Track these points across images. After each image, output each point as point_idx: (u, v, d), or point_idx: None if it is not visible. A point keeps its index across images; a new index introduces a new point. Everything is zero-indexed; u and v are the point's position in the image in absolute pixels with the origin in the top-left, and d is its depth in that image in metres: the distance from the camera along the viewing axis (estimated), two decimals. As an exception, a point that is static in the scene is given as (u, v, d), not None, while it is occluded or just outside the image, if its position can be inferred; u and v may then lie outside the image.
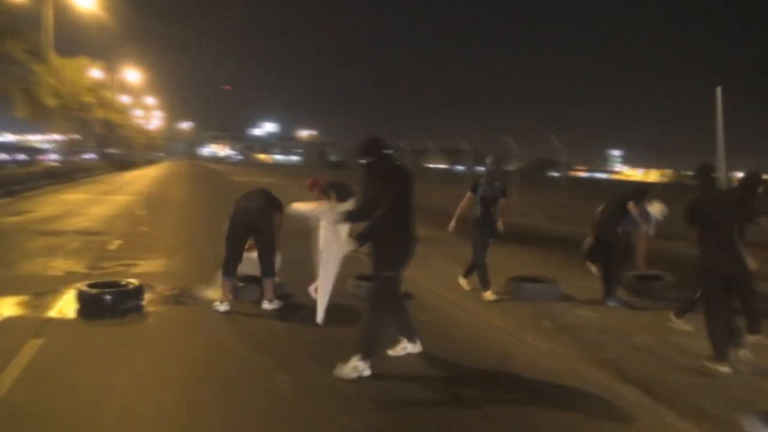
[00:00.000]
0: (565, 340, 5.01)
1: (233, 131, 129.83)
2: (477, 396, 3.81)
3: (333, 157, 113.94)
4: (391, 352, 4.37)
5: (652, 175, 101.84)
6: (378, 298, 4.13)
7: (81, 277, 6.46)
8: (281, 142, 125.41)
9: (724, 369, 4.23)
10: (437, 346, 4.65)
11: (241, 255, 5.67)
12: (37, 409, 3.29)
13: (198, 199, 19.78)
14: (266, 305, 5.59)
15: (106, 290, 5.40)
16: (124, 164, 45.72)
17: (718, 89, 8.12)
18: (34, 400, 3.40)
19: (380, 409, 3.52)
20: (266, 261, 5.65)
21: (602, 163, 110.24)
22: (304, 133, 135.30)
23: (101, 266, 7.29)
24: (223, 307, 5.42)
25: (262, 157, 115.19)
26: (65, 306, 5.39)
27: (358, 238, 4.04)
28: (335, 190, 7.89)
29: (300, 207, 4.93)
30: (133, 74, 50.97)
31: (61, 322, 4.96)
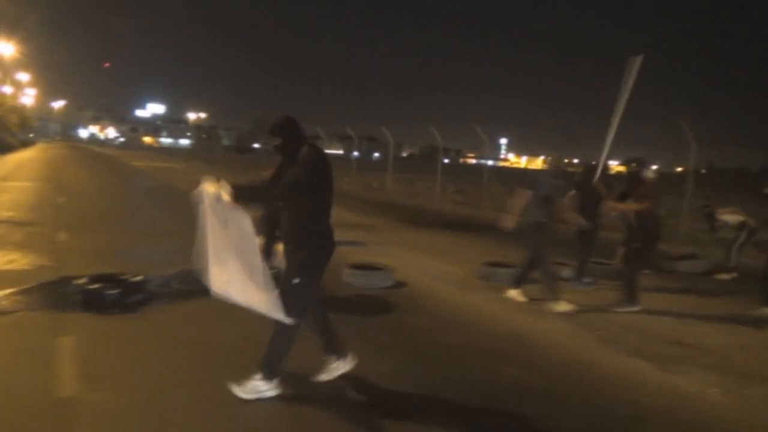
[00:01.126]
0: (557, 320, 5.63)
1: (115, 111, 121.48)
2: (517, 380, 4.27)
3: (226, 141, 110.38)
4: (324, 377, 3.71)
5: (536, 163, 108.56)
6: (289, 310, 3.36)
7: (55, 270, 6.17)
8: (169, 124, 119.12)
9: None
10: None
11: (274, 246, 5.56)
12: (114, 407, 3.29)
13: (111, 188, 18.74)
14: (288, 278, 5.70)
15: (114, 284, 5.29)
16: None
17: (637, 59, 6.90)
18: (108, 397, 3.39)
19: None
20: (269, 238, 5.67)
21: (490, 151, 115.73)
22: (192, 116, 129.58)
23: (64, 259, 6.93)
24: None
25: (147, 140, 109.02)
26: (64, 302, 5.17)
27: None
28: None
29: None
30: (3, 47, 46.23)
31: (75, 318, 4.78)
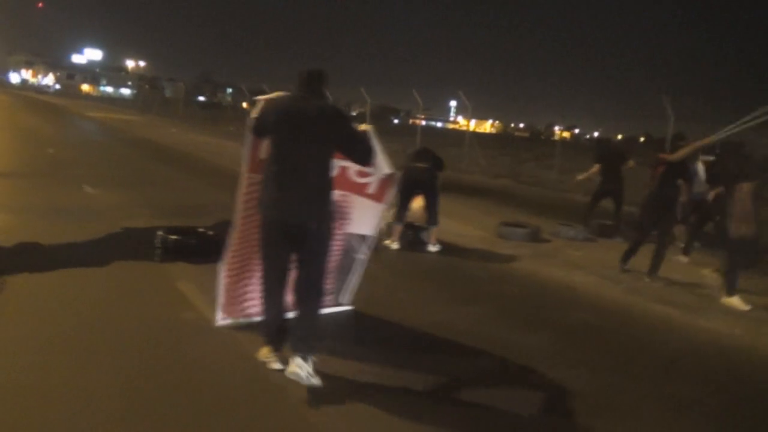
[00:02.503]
0: (587, 274, 6.54)
1: (48, 56, 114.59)
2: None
3: (169, 93, 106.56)
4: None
5: (484, 127, 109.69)
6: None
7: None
8: (108, 72, 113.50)
9: None
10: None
11: (408, 206, 6.84)
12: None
13: (90, 141, 18.43)
14: (431, 248, 6.88)
15: (191, 235, 5.81)
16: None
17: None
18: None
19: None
20: (432, 212, 6.84)
21: (441, 113, 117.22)
22: (131, 64, 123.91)
23: (114, 215, 7.27)
24: (394, 246, 6.79)
25: (86, 88, 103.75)
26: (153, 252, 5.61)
27: None
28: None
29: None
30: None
31: (172, 266, 5.27)
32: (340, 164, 3.86)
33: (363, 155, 3.48)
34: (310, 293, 3.35)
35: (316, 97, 3.32)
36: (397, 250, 6.78)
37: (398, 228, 6.86)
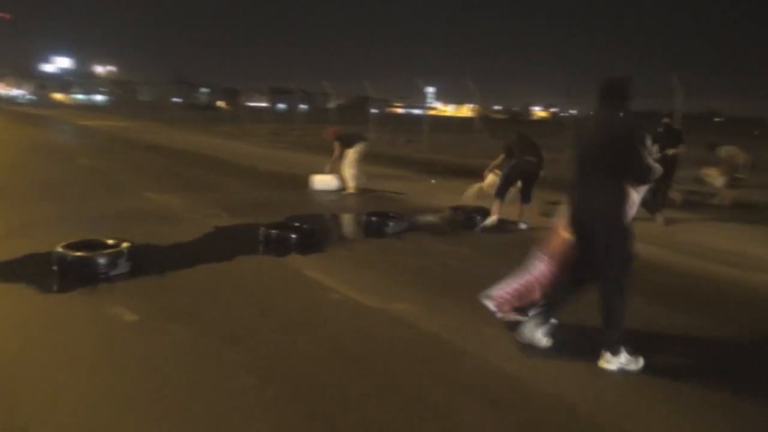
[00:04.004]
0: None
1: (17, 67, 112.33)
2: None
3: (142, 96, 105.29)
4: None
5: (462, 111, 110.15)
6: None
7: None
8: (80, 79, 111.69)
9: None
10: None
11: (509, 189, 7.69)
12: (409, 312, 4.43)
13: (107, 149, 18.54)
14: (522, 225, 7.62)
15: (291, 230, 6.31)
16: None
17: None
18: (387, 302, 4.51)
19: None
20: (527, 193, 7.62)
21: (419, 99, 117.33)
22: (101, 69, 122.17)
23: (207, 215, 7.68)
24: (491, 220, 7.54)
25: (59, 96, 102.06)
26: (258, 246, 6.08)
27: None
28: (347, 140, 9.79)
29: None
30: None
31: (284, 259, 5.75)
32: None
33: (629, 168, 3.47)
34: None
35: (609, 110, 3.52)
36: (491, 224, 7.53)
37: (498, 203, 7.58)
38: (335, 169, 10.32)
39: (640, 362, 3.49)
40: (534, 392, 3.20)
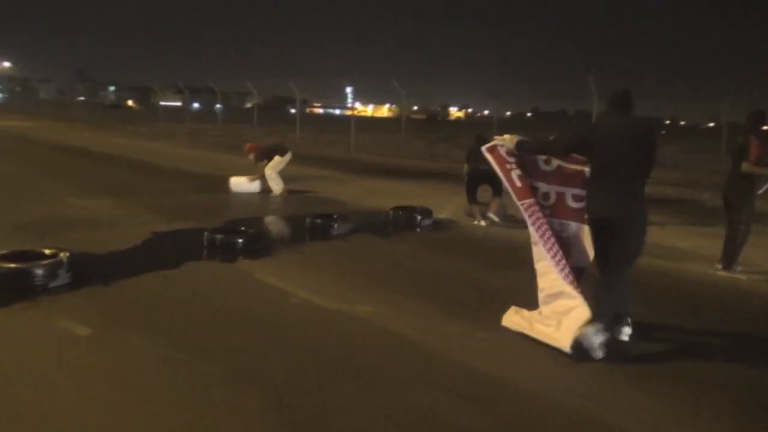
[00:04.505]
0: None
1: None
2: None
3: (44, 93, 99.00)
4: None
5: (381, 111, 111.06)
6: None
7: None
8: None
9: None
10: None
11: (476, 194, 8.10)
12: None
13: (8, 148, 17.20)
14: (492, 216, 7.99)
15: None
16: None
17: None
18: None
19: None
20: (496, 189, 7.84)
21: (339, 100, 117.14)
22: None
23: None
24: (476, 222, 7.96)
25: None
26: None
27: None
28: (265, 154, 9.83)
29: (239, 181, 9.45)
30: None
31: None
32: (556, 190, 4.20)
33: (651, 167, 3.90)
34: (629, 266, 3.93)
35: (628, 112, 3.87)
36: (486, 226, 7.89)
37: (473, 207, 8.10)
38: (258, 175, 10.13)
39: (599, 354, 3.64)
40: (509, 387, 3.29)
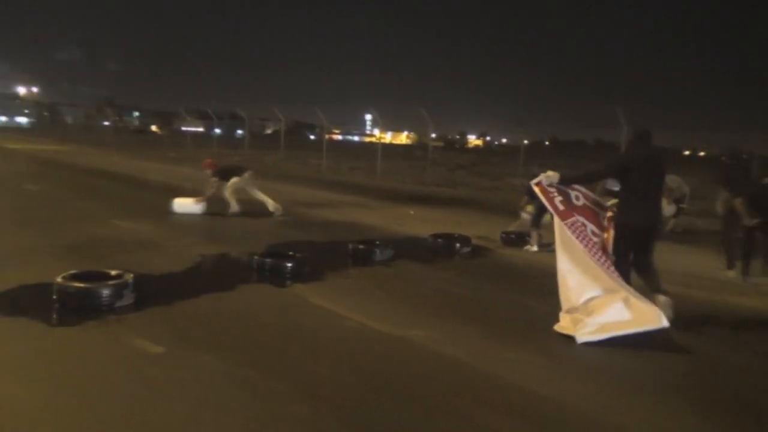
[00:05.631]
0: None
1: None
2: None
3: (69, 119, 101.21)
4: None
5: (400, 138, 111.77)
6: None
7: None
8: (1, 100, 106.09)
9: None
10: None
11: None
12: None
13: (44, 172, 17.68)
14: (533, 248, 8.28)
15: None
16: None
17: None
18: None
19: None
20: (536, 217, 8.24)
21: (357, 126, 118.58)
22: (23, 90, 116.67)
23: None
24: (534, 248, 8.23)
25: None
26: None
27: None
28: (223, 174, 10.04)
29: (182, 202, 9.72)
30: None
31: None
32: (582, 221, 5.07)
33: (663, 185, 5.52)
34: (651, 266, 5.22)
35: (648, 144, 5.29)
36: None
37: (534, 233, 8.36)
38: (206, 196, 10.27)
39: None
40: (573, 411, 3.36)
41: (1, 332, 4.14)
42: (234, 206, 10.32)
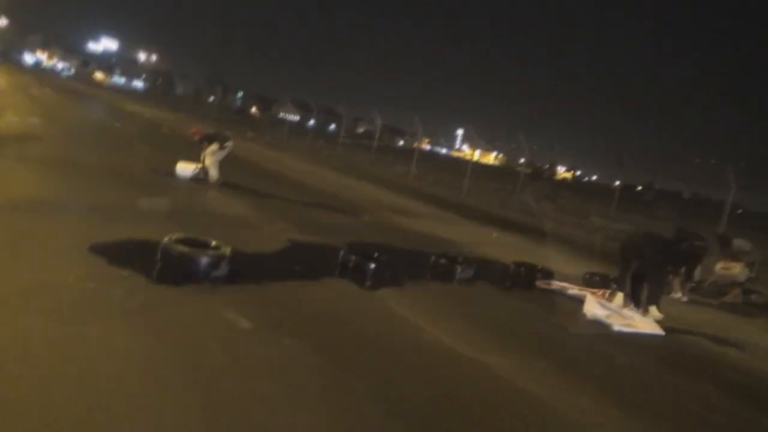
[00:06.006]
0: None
1: (63, 39, 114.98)
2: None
3: (180, 90, 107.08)
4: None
5: (488, 158, 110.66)
6: None
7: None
8: (123, 63, 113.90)
9: None
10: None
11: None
12: None
13: (158, 139, 18.88)
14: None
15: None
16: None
17: None
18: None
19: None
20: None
21: (447, 140, 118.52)
22: (143, 56, 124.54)
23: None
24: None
25: (99, 76, 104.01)
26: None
27: None
28: (212, 138, 10.81)
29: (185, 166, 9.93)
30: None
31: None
32: None
33: None
34: None
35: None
36: None
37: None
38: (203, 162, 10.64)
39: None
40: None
41: (108, 280, 4.47)
42: (213, 175, 10.45)
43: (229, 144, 10.85)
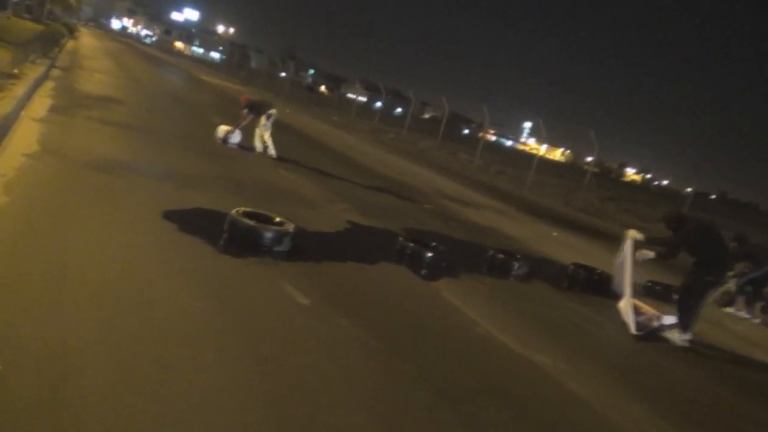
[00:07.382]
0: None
1: (150, 8, 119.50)
2: None
3: (254, 63, 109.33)
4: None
5: (554, 154, 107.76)
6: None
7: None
8: (202, 34, 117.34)
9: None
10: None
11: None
12: None
13: (230, 111, 19.41)
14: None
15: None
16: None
17: None
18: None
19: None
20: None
21: (513, 131, 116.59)
22: (222, 28, 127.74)
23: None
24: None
25: (179, 45, 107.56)
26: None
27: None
28: (260, 108, 10.93)
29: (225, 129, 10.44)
30: None
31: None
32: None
33: None
34: None
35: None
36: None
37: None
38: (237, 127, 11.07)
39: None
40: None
41: (177, 245, 4.71)
42: (258, 146, 10.92)
43: (273, 112, 11.14)
